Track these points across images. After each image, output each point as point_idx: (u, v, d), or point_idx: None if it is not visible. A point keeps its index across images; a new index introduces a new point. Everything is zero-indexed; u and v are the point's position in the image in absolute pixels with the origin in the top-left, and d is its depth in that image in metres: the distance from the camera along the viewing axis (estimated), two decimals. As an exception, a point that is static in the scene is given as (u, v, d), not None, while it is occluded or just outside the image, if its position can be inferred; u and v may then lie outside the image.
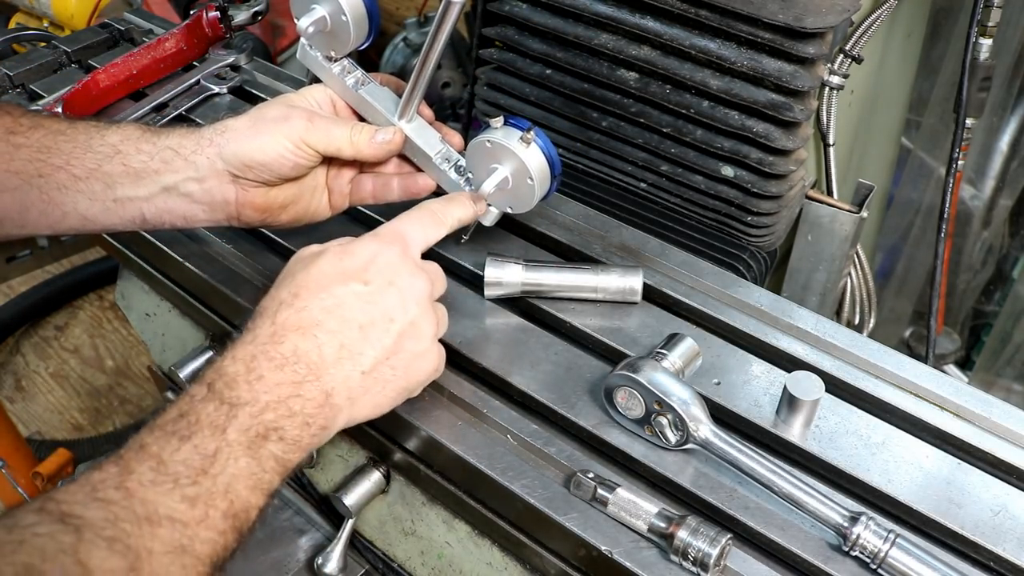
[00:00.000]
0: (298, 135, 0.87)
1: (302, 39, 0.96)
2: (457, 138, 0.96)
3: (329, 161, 0.93)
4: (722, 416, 0.85)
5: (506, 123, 0.88)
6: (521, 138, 0.87)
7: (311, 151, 0.88)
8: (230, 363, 0.71)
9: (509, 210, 0.93)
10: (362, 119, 0.97)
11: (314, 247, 0.81)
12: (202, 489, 0.64)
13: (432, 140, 0.95)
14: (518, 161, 0.87)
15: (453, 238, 1.01)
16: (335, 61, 0.96)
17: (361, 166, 0.97)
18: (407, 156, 0.96)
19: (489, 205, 0.93)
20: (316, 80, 0.99)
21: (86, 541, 0.57)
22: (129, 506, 0.61)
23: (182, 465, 0.64)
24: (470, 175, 0.93)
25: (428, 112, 0.97)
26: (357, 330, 0.75)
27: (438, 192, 0.95)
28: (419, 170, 0.97)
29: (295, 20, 0.93)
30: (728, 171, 1.13)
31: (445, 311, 0.83)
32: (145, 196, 0.88)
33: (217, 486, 0.65)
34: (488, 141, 0.88)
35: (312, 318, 0.74)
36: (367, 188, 0.97)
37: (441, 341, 0.83)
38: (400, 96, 0.94)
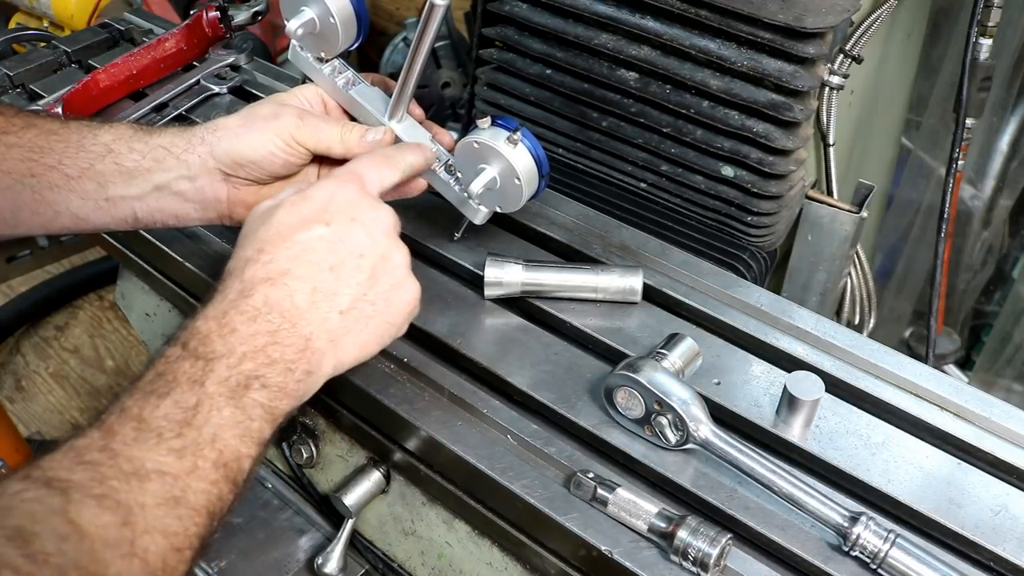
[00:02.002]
0: (288, 133, 0.88)
1: (292, 40, 0.97)
2: (448, 137, 0.97)
3: (320, 160, 0.93)
4: (722, 416, 0.85)
5: (494, 123, 0.89)
6: (508, 138, 0.87)
7: (301, 149, 0.89)
8: (202, 322, 0.71)
9: (499, 209, 0.94)
10: (353, 119, 0.97)
11: (269, 201, 0.80)
12: (188, 440, 0.64)
13: (422, 139, 0.95)
14: (505, 162, 0.88)
15: (446, 235, 1.01)
16: (325, 62, 0.97)
17: None
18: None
19: (479, 204, 0.94)
20: (308, 80, 0.99)
21: (75, 501, 0.57)
22: (115, 464, 0.61)
23: (164, 420, 0.64)
24: (459, 174, 0.94)
25: (419, 112, 0.97)
26: (328, 271, 0.75)
27: (430, 192, 0.96)
28: None
29: (284, 22, 0.93)
30: (728, 171, 1.13)
31: (401, 243, 0.82)
32: (137, 195, 0.89)
33: (203, 436, 0.65)
34: (475, 142, 0.89)
35: (280, 268, 0.74)
36: None
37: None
38: (391, 97, 0.94)
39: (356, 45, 0.95)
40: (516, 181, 0.89)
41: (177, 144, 0.89)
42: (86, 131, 0.89)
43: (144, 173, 0.88)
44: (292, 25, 0.92)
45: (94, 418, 0.65)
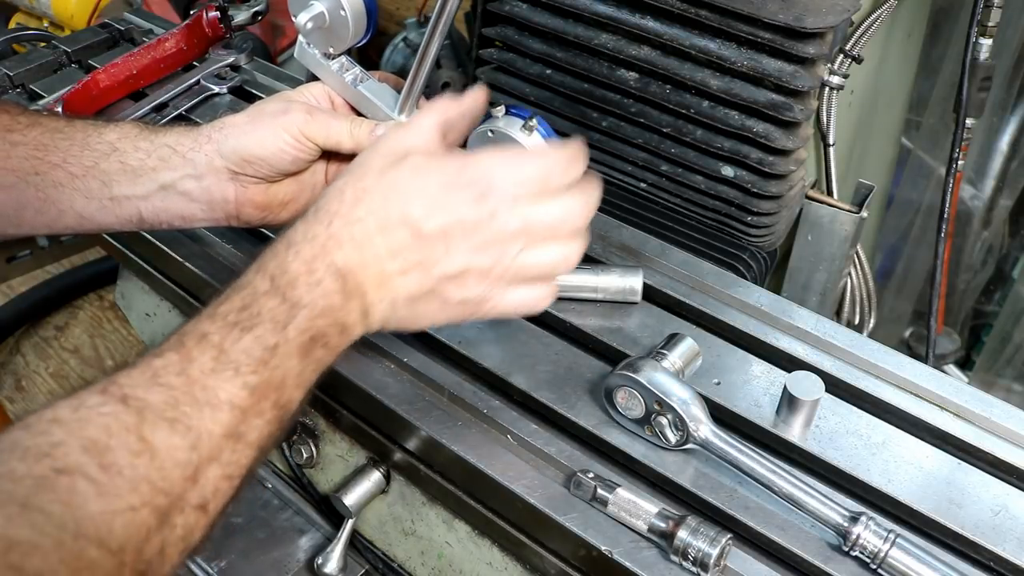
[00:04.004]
0: (297, 128, 0.87)
1: (300, 36, 0.96)
2: None
3: (328, 157, 0.93)
4: (722, 416, 0.85)
5: (508, 112, 0.88)
6: (524, 126, 0.87)
7: (310, 144, 0.88)
8: (293, 259, 0.70)
9: None
10: (361, 116, 0.97)
11: (406, 141, 0.76)
12: (261, 379, 0.66)
13: None
14: (520, 149, 0.87)
15: None
16: (333, 58, 0.96)
17: None
18: None
19: None
20: (314, 79, 0.99)
21: (148, 422, 0.60)
22: (190, 391, 0.63)
23: (243, 354, 0.66)
24: None
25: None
26: (400, 262, 0.73)
27: None
28: None
29: (292, 17, 0.92)
30: (728, 171, 1.13)
31: (563, 254, 0.77)
32: (142, 194, 0.88)
33: (274, 378, 0.67)
34: (490, 131, 0.88)
35: (365, 233, 0.72)
36: None
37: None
38: (399, 93, 0.94)
39: (365, 40, 0.94)
40: None
41: (183, 143, 0.88)
42: (91, 130, 0.88)
43: (149, 172, 0.87)
44: (302, 19, 0.91)
45: (171, 337, 0.67)
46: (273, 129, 0.87)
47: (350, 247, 0.71)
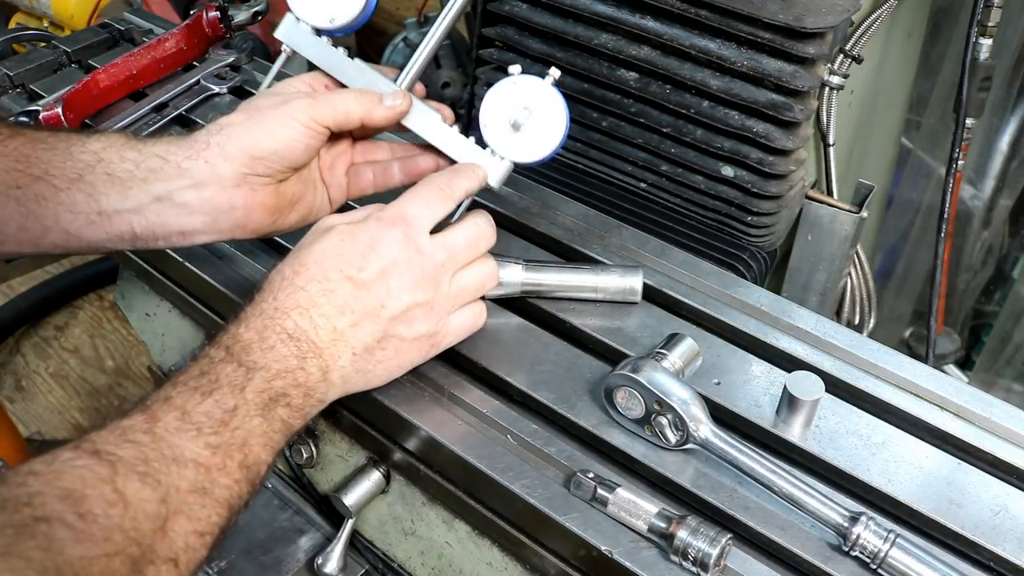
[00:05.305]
0: (305, 113, 0.85)
1: (290, 11, 0.91)
2: (448, 111, 0.94)
3: (319, 154, 0.91)
4: (722, 416, 0.85)
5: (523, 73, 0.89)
6: (545, 76, 0.88)
7: (321, 127, 0.86)
8: (244, 331, 0.75)
9: (521, 161, 0.90)
10: None
11: (330, 219, 0.83)
12: (222, 440, 0.69)
13: (431, 110, 0.92)
14: (545, 99, 0.87)
15: None
16: (327, 34, 0.92)
17: (353, 153, 0.96)
18: (408, 129, 0.93)
19: (502, 157, 0.90)
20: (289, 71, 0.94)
21: (121, 474, 0.62)
22: (157, 448, 0.65)
23: (205, 416, 0.69)
24: (485, 126, 0.90)
25: (420, 88, 0.96)
26: (349, 315, 0.78)
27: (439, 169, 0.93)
28: (417, 150, 0.95)
29: None
30: (728, 171, 1.13)
31: (484, 271, 0.87)
32: (134, 207, 0.84)
33: (235, 439, 0.70)
34: (514, 81, 0.88)
35: (309, 299, 0.77)
36: (367, 178, 0.96)
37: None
38: (392, 78, 0.92)
39: (368, 18, 0.91)
40: (555, 119, 0.88)
41: (175, 152, 0.84)
42: (75, 140, 0.85)
43: (139, 183, 0.83)
44: None
45: (137, 403, 0.70)
46: (280, 120, 0.84)
47: (297, 313, 0.77)
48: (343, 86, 0.93)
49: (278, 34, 0.94)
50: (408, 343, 0.82)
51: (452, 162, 0.93)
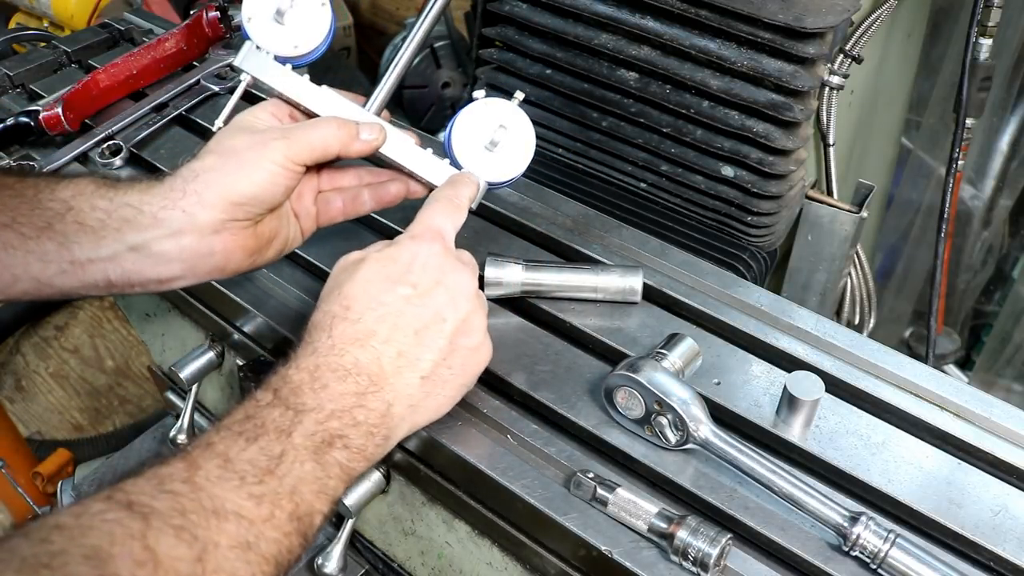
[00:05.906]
0: (282, 155, 0.81)
1: (249, 40, 0.89)
2: (415, 135, 0.94)
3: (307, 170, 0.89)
4: (722, 416, 0.85)
5: (488, 95, 0.90)
6: (512, 97, 0.89)
7: (299, 167, 0.83)
8: (295, 372, 0.72)
9: (492, 181, 0.91)
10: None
11: (354, 255, 0.81)
12: (268, 488, 0.64)
13: (404, 134, 0.92)
14: (514, 119, 0.89)
15: None
16: (290, 61, 0.90)
17: (320, 180, 0.93)
18: (376, 157, 0.92)
19: (478, 178, 0.90)
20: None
21: (154, 528, 0.58)
22: (196, 499, 0.61)
23: (248, 464, 0.65)
24: (447, 159, 0.91)
25: (386, 113, 0.94)
26: (412, 335, 0.76)
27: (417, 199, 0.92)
28: (385, 175, 0.94)
29: (243, 17, 0.87)
30: (728, 171, 1.13)
31: (484, 297, 0.85)
32: (108, 256, 0.81)
33: (283, 487, 0.65)
34: (485, 102, 0.89)
35: (367, 328, 0.75)
36: (336, 206, 0.93)
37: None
38: (360, 104, 0.91)
39: (327, 44, 0.90)
40: (525, 139, 0.89)
41: (149, 202, 0.80)
42: (43, 186, 0.81)
43: (113, 233, 0.80)
44: (252, 9, 0.86)
45: (179, 449, 0.66)
46: (258, 163, 0.81)
47: (356, 347, 0.74)
48: (309, 113, 0.91)
49: (237, 62, 0.90)
50: (469, 355, 0.79)
51: (428, 186, 0.92)
